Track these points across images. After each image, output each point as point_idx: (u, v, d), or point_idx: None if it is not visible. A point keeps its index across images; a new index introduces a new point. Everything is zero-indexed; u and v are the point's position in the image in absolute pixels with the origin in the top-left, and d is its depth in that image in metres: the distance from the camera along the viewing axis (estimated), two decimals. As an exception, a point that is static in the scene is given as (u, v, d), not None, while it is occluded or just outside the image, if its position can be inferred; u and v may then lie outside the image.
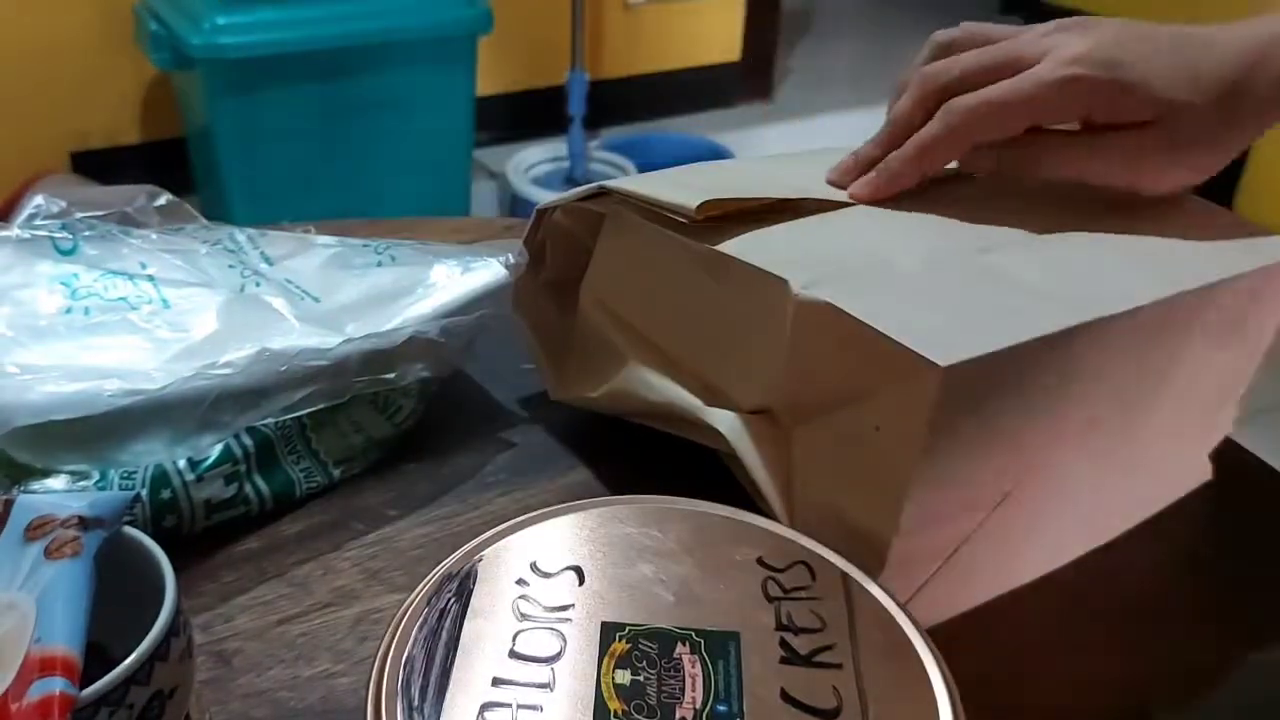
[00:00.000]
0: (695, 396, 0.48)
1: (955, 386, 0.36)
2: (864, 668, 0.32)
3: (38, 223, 0.53)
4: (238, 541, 0.48)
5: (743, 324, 0.45)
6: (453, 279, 0.54)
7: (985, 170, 0.49)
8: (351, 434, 0.52)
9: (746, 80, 2.97)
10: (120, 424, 0.44)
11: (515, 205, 2.26)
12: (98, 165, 2.13)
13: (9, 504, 0.33)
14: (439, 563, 0.35)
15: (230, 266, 0.54)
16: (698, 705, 0.30)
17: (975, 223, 0.47)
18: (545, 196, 0.54)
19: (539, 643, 0.32)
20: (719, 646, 0.32)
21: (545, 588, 0.34)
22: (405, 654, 0.32)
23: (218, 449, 0.47)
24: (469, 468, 0.53)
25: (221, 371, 0.46)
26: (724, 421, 0.46)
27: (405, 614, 0.33)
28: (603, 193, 0.50)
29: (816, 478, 0.43)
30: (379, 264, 0.56)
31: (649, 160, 2.31)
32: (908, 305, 0.39)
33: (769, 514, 0.44)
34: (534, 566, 0.35)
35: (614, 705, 0.30)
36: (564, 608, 0.33)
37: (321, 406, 0.49)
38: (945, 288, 0.41)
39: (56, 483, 0.44)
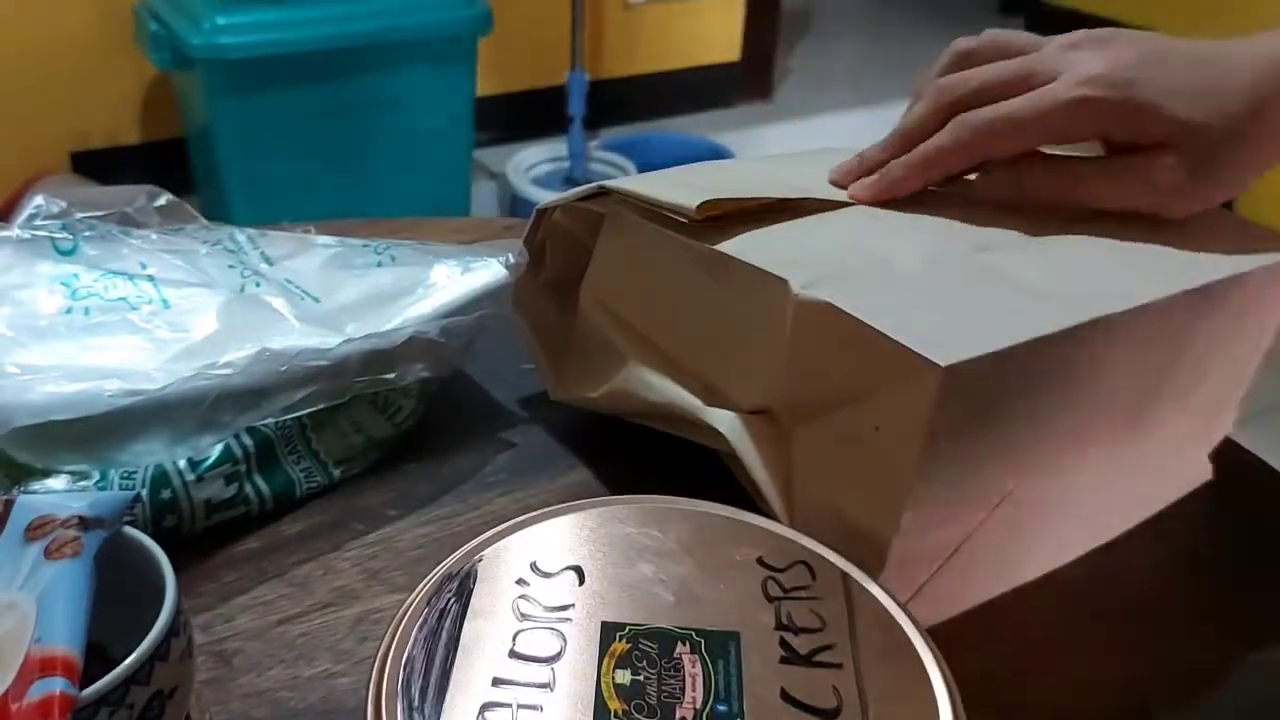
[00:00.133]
0: (695, 396, 0.48)
1: (955, 386, 0.36)
2: (864, 667, 0.32)
3: (38, 223, 0.53)
4: (238, 541, 0.48)
5: (743, 324, 0.45)
6: (453, 279, 0.54)
7: (1008, 196, 0.48)
8: (351, 434, 0.52)
9: (746, 80, 2.97)
10: (120, 424, 0.44)
11: (515, 205, 2.26)
12: (98, 165, 2.13)
13: (9, 504, 0.33)
14: (439, 563, 0.35)
15: (230, 267, 0.54)
16: (698, 705, 0.30)
17: (975, 223, 0.47)
18: (545, 196, 0.54)
19: (539, 643, 0.32)
20: (719, 646, 0.32)
21: (545, 588, 0.34)
22: (405, 654, 0.32)
23: (218, 449, 0.47)
24: (469, 468, 0.53)
25: (221, 371, 0.46)
26: (724, 421, 0.46)
27: (405, 614, 0.33)
28: (602, 193, 0.50)
29: (816, 478, 0.43)
30: (379, 264, 0.56)
31: (649, 160, 2.31)
32: (908, 305, 0.40)
33: (769, 514, 0.44)
34: (534, 566, 0.35)
35: (614, 705, 0.30)
36: (564, 608, 0.33)
37: (321, 406, 0.49)
38: (945, 288, 0.41)
39: (57, 483, 0.44)
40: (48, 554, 0.31)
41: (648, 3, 2.68)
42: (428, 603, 0.33)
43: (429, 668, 0.31)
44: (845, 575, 0.35)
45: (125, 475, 0.45)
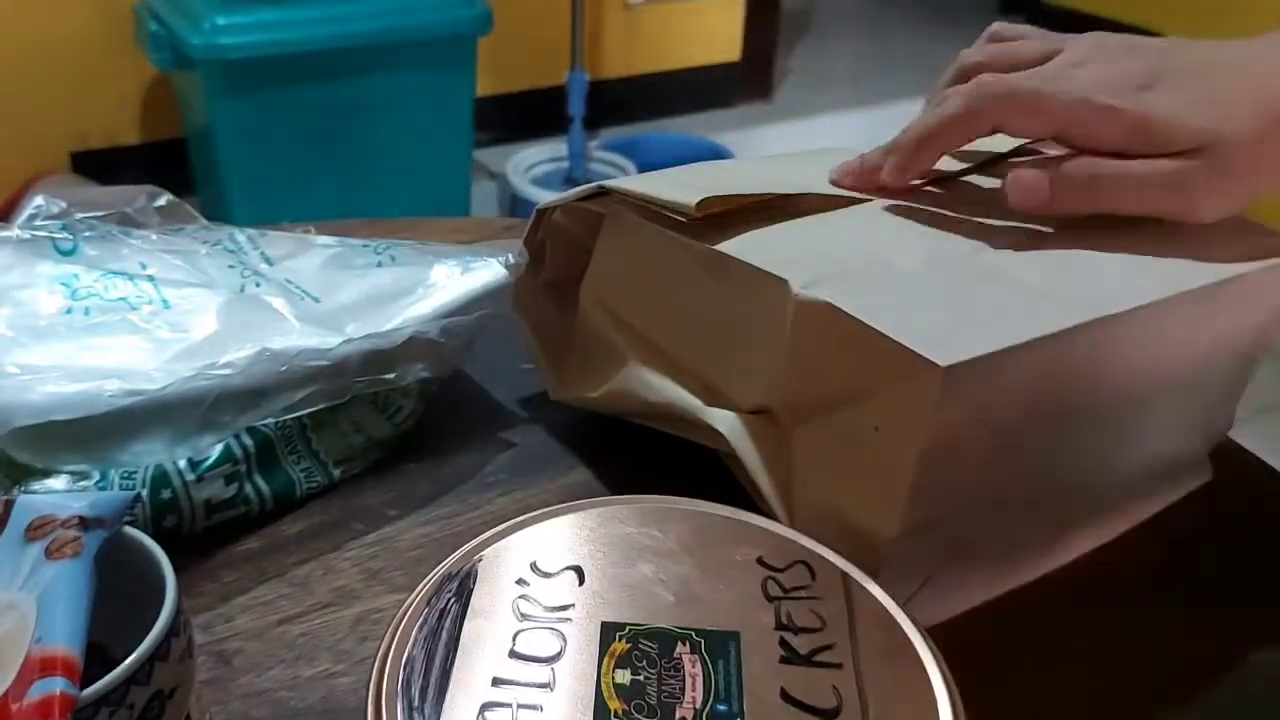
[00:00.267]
0: (695, 396, 0.48)
1: (955, 386, 0.36)
2: (864, 667, 0.32)
3: (38, 223, 0.53)
4: (238, 541, 0.48)
5: (743, 324, 0.45)
6: (453, 279, 0.54)
7: (1037, 205, 0.46)
8: (351, 434, 0.52)
9: (746, 80, 2.97)
10: (120, 424, 0.44)
11: (515, 205, 2.26)
12: (98, 165, 2.13)
13: (9, 504, 0.33)
14: (439, 563, 0.35)
15: (230, 267, 0.54)
16: (698, 705, 0.30)
17: (975, 223, 0.47)
18: (545, 196, 0.54)
19: (539, 643, 0.32)
20: (719, 646, 0.32)
21: (545, 588, 0.34)
22: (405, 654, 0.32)
23: (218, 449, 0.47)
24: (469, 468, 0.53)
25: (221, 372, 0.46)
26: (724, 421, 0.46)
27: (405, 614, 0.33)
28: (602, 192, 0.50)
29: (816, 478, 0.43)
30: (379, 264, 0.56)
31: (649, 160, 2.31)
32: (908, 305, 0.40)
33: (769, 514, 0.44)
34: (534, 566, 0.35)
35: (614, 705, 0.30)
36: (564, 608, 0.33)
37: (321, 406, 0.49)
38: (945, 287, 0.41)
39: (57, 483, 0.44)
40: (48, 554, 0.31)
41: (647, 3, 2.68)
42: (428, 603, 0.33)
43: (429, 668, 0.31)
44: (845, 575, 0.35)
45: (125, 475, 0.45)
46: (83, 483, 0.44)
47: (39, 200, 0.54)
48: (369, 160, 1.94)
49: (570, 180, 2.34)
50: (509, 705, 0.30)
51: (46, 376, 0.44)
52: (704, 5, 2.78)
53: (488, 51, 2.01)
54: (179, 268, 0.53)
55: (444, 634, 0.32)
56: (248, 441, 0.48)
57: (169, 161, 2.10)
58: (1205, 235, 0.46)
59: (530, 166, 2.38)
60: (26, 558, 0.31)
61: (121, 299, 0.49)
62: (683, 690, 0.31)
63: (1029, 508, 0.43)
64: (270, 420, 0.48)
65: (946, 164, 0.51)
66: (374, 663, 0.31)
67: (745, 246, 0.44)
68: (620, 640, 0.32)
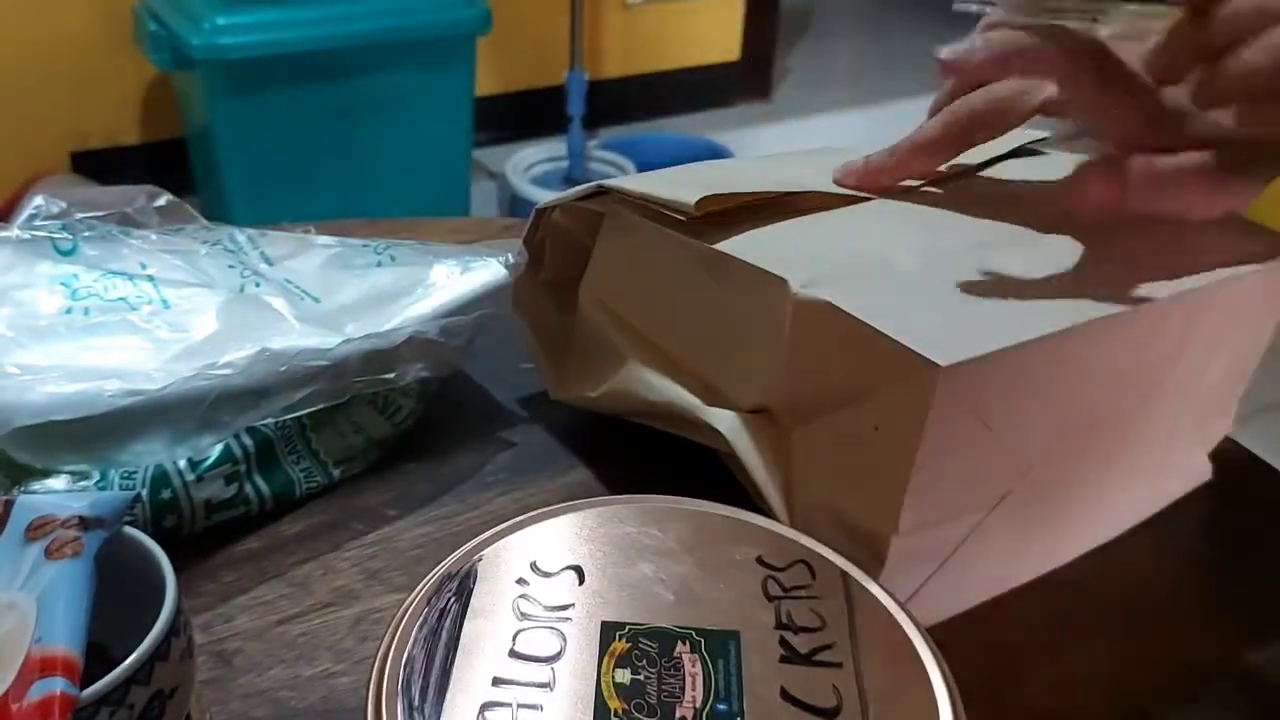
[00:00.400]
0: (695, 396, 0.48)
1: (954, 386, 0.36)
2: (864, 667, 0.32)
3: (38, 223, 0.53)
4: (238, 541, 0.48)
5: (742, 323, 0.45)
6: (452, 279, 0.54)
7: (1104, 199, 0.43)
8: (351, 434, 0.52)
9: (745, 80, 2.97)
10: (120, 424, 0.44)
11: (515, 205, 2.26)
12: (98, 165, 2.13)
13: (9, 504, 0.33)
14: (439, 562, 0.35)
15: (230, 267, 0.54)
16: (698, 704, 0.30)
17: (975, 222, 0.47)
18: (545, 196, 0.54)
19: (539, 642, 0.32)
20: (719, 645, 0.32)
21: (545, 587, 0.34)
22: (405, 654, 0.32)
23: (218, 449, 0.47)
24: (469, 468, 0.53)
25: (221, 372, 0.46)
26: (723, 421, 0.46)
27: (405, 614, 0.33)
28: (601, 192, 0.50)
29: (816, 477, 0.43)
30: (379, 264, 0.56)
31: (648, 160, 2.31)
32: (907, 305, 0.40)
33: (769, 514, 0.44)
34: (534, 566, 0.35)
35: (614, 704, 0.30)
36: (564, 607, 0.33)
37: (321, 406, 0.49)
38: (945, 287, 0.41)
39: (57, 483, 0.44)
40: (48, 554, 0.31)
41: (646, 2, 2.68)
42: (428, 602, 0.33)
43: (429, 667, 0.31)
44: (845, 575, 0.35)
45: (125, 475, 0.45)
46: (83, 483, 0.44)
47: (39, 200, 0.54)
48: (369, 160, 1.94)
49: (570, 180, 2.34)
50: (509, 705, 0.30)
51: (46, 376, 0.44)
52: (703, 5, 2.78)
53: (487, 51, 2.01)
54: (179, 268, 0.53)
55: (444, 634, 0.32)
56: (247, 441, 0.48)
57: (169, 161, 2.10)
58: (1205, 235, 0.46)
59: (530, 166, 2.38)
60: (26, 558, 0.31)
61: (121, 299, 0.49)
62: (683, 690, 0.31)
63: (1029, 508, 0.43)
64: (270, 420, 0.48)
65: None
66: (374, 662, 0.31)
67: (745, 246, 0.44)
68: (620, 640, 0.32)
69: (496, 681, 0.31)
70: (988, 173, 0.52)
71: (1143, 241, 0.45)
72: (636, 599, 0.34)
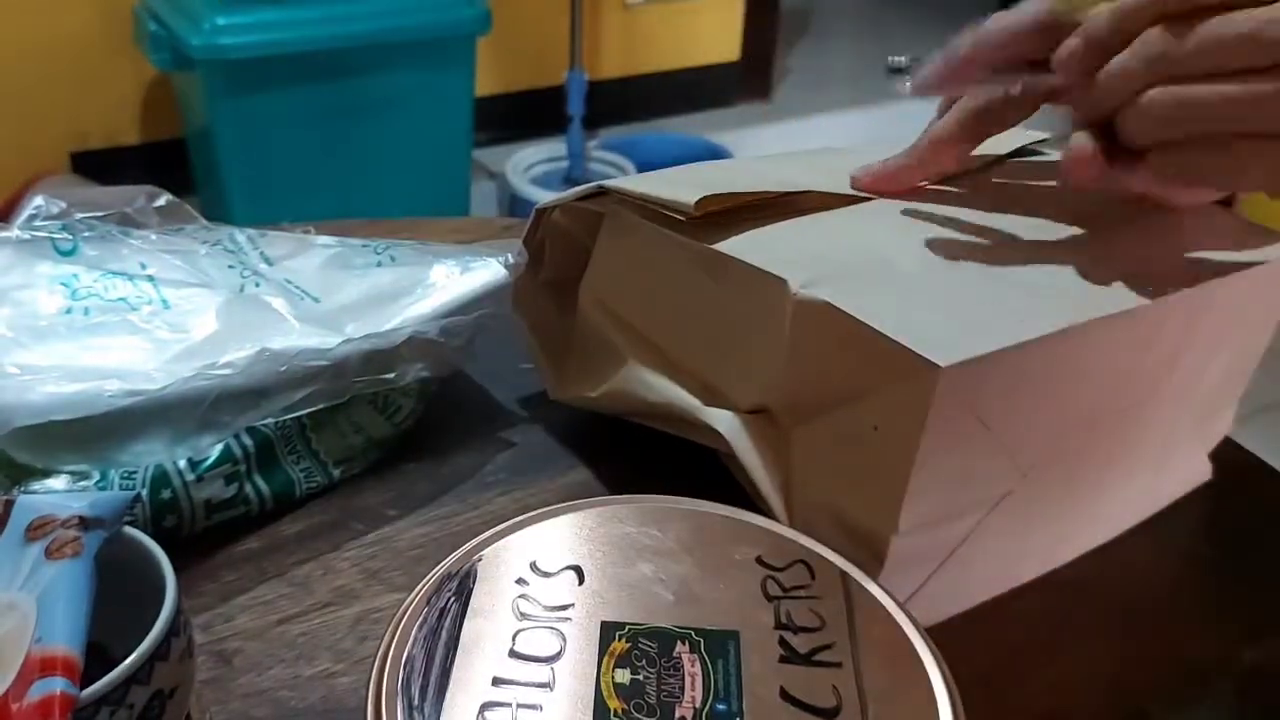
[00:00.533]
0: (694, 396, 0.48)
1: (954, 386, 0.36)
2: (864, 667, 0.32)
3: (38, 223, 0.53)
4: (238, 541, 0.48)
5: (742, 324, 0.45)
6: (452, 279, 0.54)
7: (1174, 171, 0.41)
8: (351, 434, 0.52)
9: (745, 80, 2.97)
10: (120, 424, 0.44)
11: (515, 205, 2.26)
12: (98, 165, 2.13)
13: (9, 504, 0.33)
14: (439, 562, 0.35)
15: (230, 267, 0.54)
16: (697, 704, 0.30)
17: (975, 222, 0.47)
18: (545, 196, 0.54)
19: (539, 642, 0.32)
20: (718, 645, 0.32)
21: (545, 587, 0.34)
22: (405, 654, 0.32)
23: (218, 449, 0.47)
24: (469, 468, 0.53)
25: (221, 372, 0.46)
26: (723, 421, 0.46)
27: (405, 614, 0.33)
28: (601, 192, 0.50)
29: (816, 478, 0.43)
30: (379, 264, 0.56)
31: (648, 160, 2.31)
32: (907, 305, 0.40)
33: (768, 514, 0.44)
34: (534, 566, 0.35)
35: (614, 704, 0.30)
36: (564, 607, 0.33)
37: (321, 406, 0.49)
38: (945, 287, 0.41)
39: (57, 483, 0.44)
40: (48, 554, 0.31)
41: (646, 3, 2.68)
42: (427, 602, 0.33)
43: (429, 667, 0.31)
44: (845, 574, 0.35)
45: (125, 475, 0.45)
46: (83, 483, 0.44)
47: (39, 200, 0.54)
48: (369, 160, 1.94)
49: (569, 180, 2.34)
50: (509, 705, 0.30)
51: (46, 376, 0.44)
52: (703, 5, 2.78)
53: (488, 51, 2.01)
54: (179, 268, 0.53)
55: (444, 633, 0.32)
56: (247, 441, 0.48)
57: (169, 161, 2.10)
58: (1204, 235, 0.46)
59: (530, 166, 2.38)
60: (26, 558, 0.31)
61: (121, 299, 0.49)
62: (682, 689, 0.31)
63: (1029, 508, 0.43)
64: (270, 420, 0.48)
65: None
66: (374, 662, 0.31)
67: (744, 246, 0.44)
68: (620, 640, 0.32)
69: (496, 681, 0.31)
70: (988, 174, 0.52)
71: (1143, 242, 0.46)
72: (636, 599, 0.34)
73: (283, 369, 0.48)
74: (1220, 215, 0.49)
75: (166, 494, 0.46)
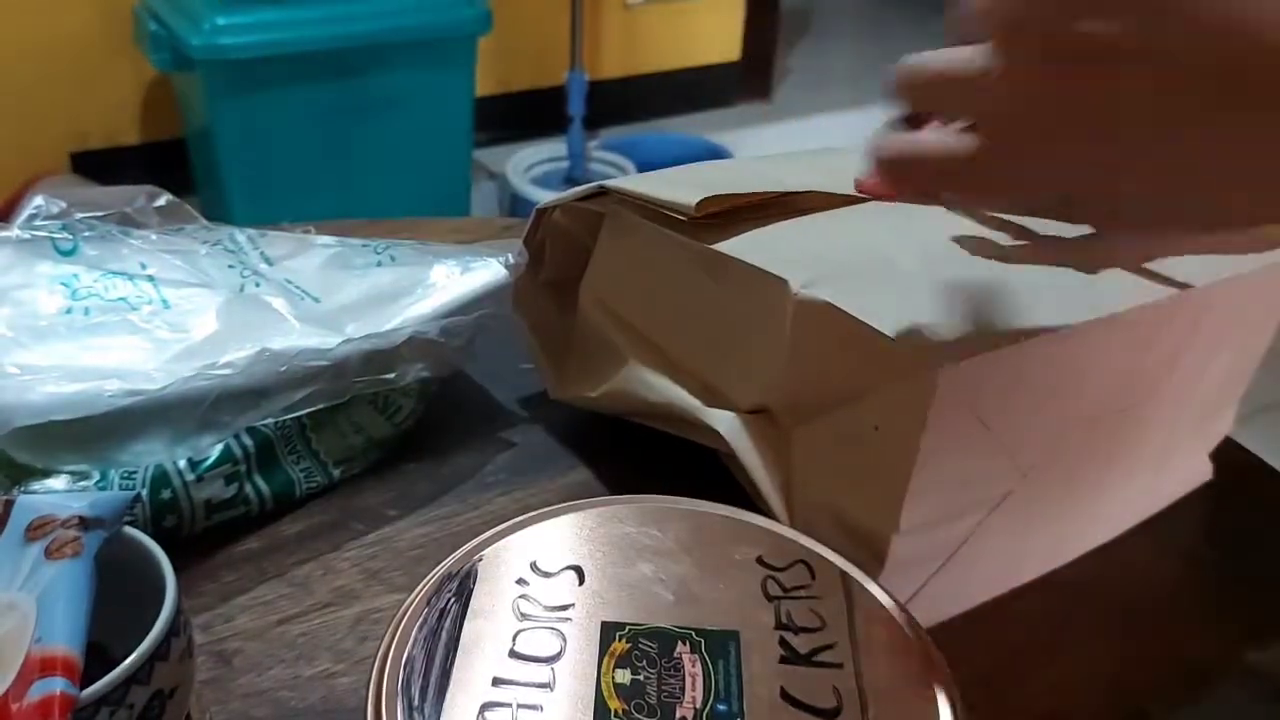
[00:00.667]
0: (695, 397, 0.48)
1: (954, 386, 0.36)
2: (864, 667, 0.32)
3: (38, 223, 0.53)
4: (238, 541, 0.48)
5: (742, 324, 0.45)
6: (452, 279, 0.54)
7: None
8: (351, 434, 0.52)
9: (746, 80, 2.97)
10: (120, 424, 0.44)
11: (515, 205, 2.26)
12: (98, 165, 2.13)
13: (9, 504, 0.33)
14: (439, 563, 0.35)
15: (230, 267, 0.54)
16: (698, 704, 0.30)
17: (975, 222, 0.47)
18: (545, 197, 0.54)
19: (539, 642, 0.32)
20: (719, 646, 0.32)
21: (545, 587, 0.34)
22: (405, 654, 0.32)
23: (218, 449, 0.47)
24: (469, 468, 0.53)
25: (221, 372, 0.46)
26: (723, 422, 0.46)
27: (405, 614, 0.33)
28: (602, 192, 0.50)
29: (816, 478, 0.43)
30: (379, 264, 0.56)
31: (648, 161, 2.31)
32: (907, 304, 0.39)
33: (768, 514, 0.44)
34: (534, 566, 0.35)
35: (614, 705, 0.30)
36: (564, 607, 0.33)
37: (321, 407, 0.49)
38: (945, 287, 0.41)
39: (57, 483, 0.44)
40: (48, 554, 0.31)
41: (647, 3, 2.68)
42: (428, 602, 0.33)
43: (429, 667, 0.31)
44: (845, 575, 0.35)
45: (125, 475, 0.45)
46: (83, 483, 0.44)
47: (39, 200, 0.54)
48: (369, 160, 1.94)
49: (570, 180, 2.33)
50: (509, 705, 0.30)
51: (46, 376, 0.44)
52: (704, 5, 2.78)
53: (488, 51, 2.01)
54: (179, 268, 0.53)
55: (444, 634, 0.32)
56: (248, 441, 0.48)
57: (169, 161, 2.10)
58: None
59: (530, 166, 2.38)
60: (26, 558, 0.31)
61: (121, 299, 0.49)
62: (683, 690, 0.31)
63: (1029, 508, 0.43)
64: (270, 420, 0.48)
65: None
66: (374, 663, 0.31)
67: (744, 246, 0.44)
68: (620, 640, 0.32)
69: (496, 682, 0.31)
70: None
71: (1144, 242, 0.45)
72: (636, 599, 0.34)
73: (283, 369, 0.47)
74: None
75: (166, 494, 0.46)
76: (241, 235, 0.58)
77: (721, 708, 0.30)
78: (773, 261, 0.42)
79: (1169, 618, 0.46)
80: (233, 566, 0.47)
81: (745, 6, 2.85)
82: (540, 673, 0.31)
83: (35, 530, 0.31)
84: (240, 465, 0.48)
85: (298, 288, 0.54)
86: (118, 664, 0.29)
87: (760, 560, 0.36)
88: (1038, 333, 0.38)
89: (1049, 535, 0.46)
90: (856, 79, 3.23)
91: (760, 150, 2.65)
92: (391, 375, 0.51)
